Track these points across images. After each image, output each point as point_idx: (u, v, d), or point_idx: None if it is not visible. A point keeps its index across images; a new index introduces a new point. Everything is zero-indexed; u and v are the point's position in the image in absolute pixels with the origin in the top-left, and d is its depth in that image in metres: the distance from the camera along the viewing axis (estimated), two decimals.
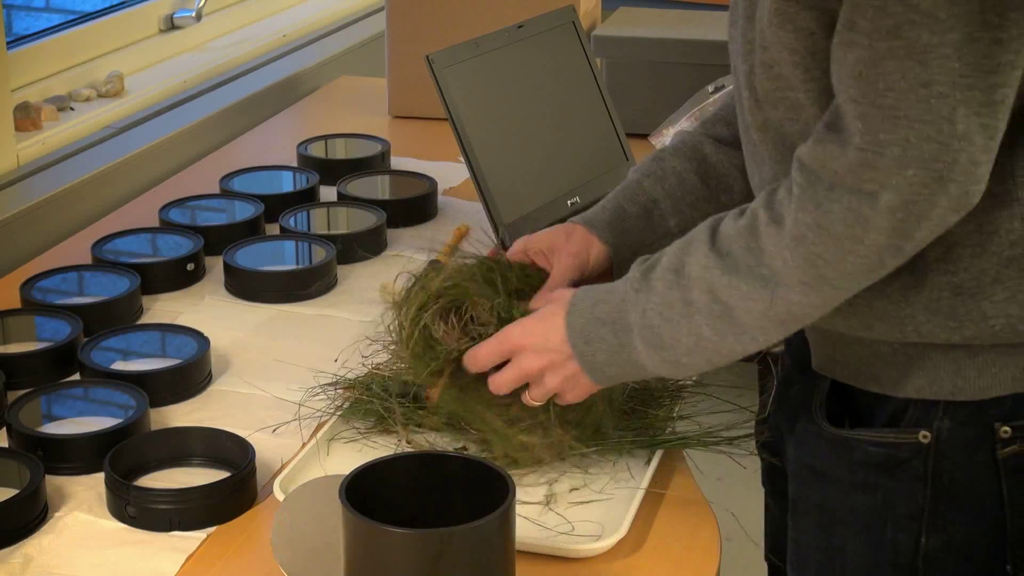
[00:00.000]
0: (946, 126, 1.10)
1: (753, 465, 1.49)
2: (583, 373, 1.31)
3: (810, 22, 1.18)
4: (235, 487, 1.40)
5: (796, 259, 1.17)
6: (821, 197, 1.15)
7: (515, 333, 1.34)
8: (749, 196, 1.33)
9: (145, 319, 1.80)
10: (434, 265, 1.57)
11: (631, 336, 1.26)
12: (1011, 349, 1.23)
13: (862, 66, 1.13)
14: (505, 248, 1.90)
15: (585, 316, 1.29)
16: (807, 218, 1.16)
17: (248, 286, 1.87)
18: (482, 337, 1.37)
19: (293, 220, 2.03)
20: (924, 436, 1.25)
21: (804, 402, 1.35)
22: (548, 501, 1.40)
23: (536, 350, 1.32)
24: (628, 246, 1.48)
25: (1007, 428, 1.24)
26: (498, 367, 1.35)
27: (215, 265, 1.93)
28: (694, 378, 1.55)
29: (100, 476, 1.42)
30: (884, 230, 1.14)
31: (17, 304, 1.80)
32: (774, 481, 1.48)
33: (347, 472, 1.20)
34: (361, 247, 1.98)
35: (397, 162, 2.33)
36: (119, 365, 1.66)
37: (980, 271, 1.21)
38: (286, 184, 2.21)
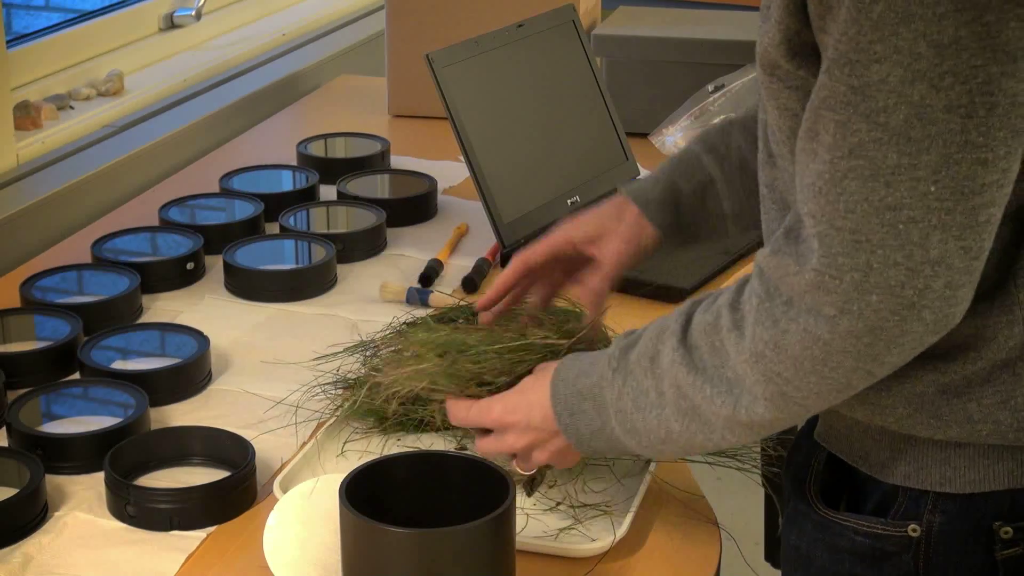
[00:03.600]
0: (917, 251, 1.02)
1: None
2: (571, 447, 1.27)
3: (793, 103, 1.10)
4: (235, 487, 1.40)
5: (756, 375, 1.10)
6: (779, 314, 1.08)
7: (496, 410, 1.31)
8: None
9: (145, 318, 1.80)
10: (414, 324, 1.55)
11: (609, 416, 1.22)
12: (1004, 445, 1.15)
13: (822, 182, 1.04)
14: (503, 245, 1.91)
15: (569, 388, 1.25)
16: (765, 335, 1.08)
17: (248, 285, 1.87)
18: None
19: (293, 219, 2.03)
20: (913, 530, 1.17)
21: (801, 472, 1.28)
22: (537, 496, 1.40)
23: (519, 430, 1.29)
24: (679, 230, 1.42)
25: (1008, 528, 1.15)
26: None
27: (215, 264, 1.93)
28: None
29: (100, 476, 1.42)
30: (849, 354, 1.05)
31: (17, 303, 1.80)
32: (774, 481, 1.47)
33: (346, 472, 1.20)
34: (361, 246, 1.98)
35: (397, 161, 2.33)
36: (119, 364, 1.66)
37: (971, 372, 1.12)
38: (286, 183, 2.21)
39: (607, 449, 1.25)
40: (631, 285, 1.76)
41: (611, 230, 1.41)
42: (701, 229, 1.45)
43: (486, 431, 1.34)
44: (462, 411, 1.34)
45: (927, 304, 1.03)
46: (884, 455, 1.18)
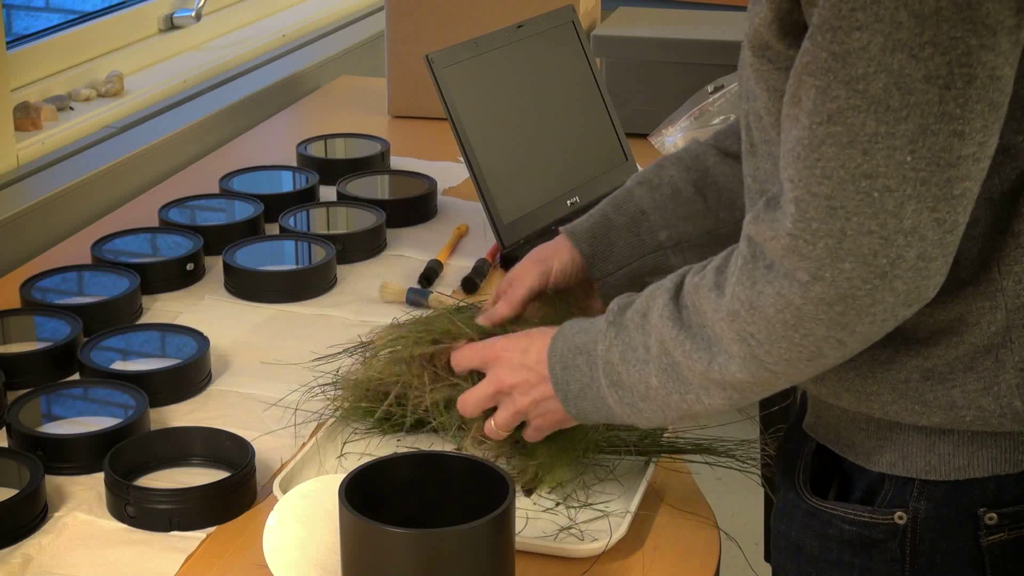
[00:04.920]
0: (891, 220, 1.02)
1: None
2: (555, 399, 1.28)
3: (781, 83, 1.11)
4: (235, 487, 1.40)
5: (731, 333, 1.11)
6: (758, 275, 1.09)
7: (499, 343, 1.33)
8: None
9: (145, 319, 1.80)
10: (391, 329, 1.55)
11: (598, 369, 1.24)
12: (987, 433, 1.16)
13: (801, 147, 1.04)
14: (503, 245, 1.91)
15: (567, 343, 1.27)
16: (742, 294, 1.10)
17: (248, 286, 1.87)
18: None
19: (293, 220, 2.03)
20: (900, 517, 1.18)
21: (791, 463, 1.29)
22: (539, 499, 1.40)
23: (512, 366, 1.30)
24: (611, 258, 1.46)
25: (993, 515, 1.16)
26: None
27: (215, 265, 1.93)
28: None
29: (100, 476, 1.42)
30: (820, 321, 1.06)
31: (17, 304, 1.80)
32: (773, 481, 1.47)
33: (346, 473, 1.20)
34: (361, 247, 1.98)
35: (397, 162, 2.33)
36: (119, 365, 1.66)
37: (954, 357, 1.13)
38: (286, 184, 2.21)
39: (591, 411, 1.26)
40: None
41: (550, 262, 1.47)
42: (645, 263, 1.48)
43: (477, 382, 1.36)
44: (466, 351, 1.36)
45: (899, 274, 1.03)
46: (870, 444, 1.20)
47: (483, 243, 2.01)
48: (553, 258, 1.46)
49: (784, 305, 1.07)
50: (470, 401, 1.35)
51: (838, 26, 1.01)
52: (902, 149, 1.01)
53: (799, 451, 1.28)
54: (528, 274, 1.46)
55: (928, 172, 1.01)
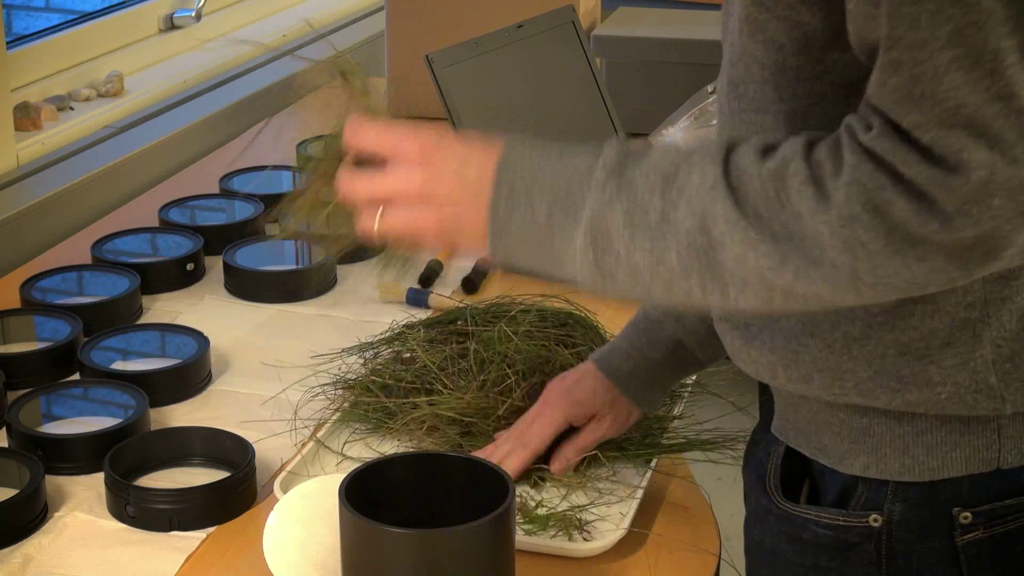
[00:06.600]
0: None
1: None
2: (477, 229, 1.07)
3: (780, 34, 1.06)
4: (235, 487, 1.40)
5: (836, 239, 0.98)
6: (885, 182, 0.97)
7: (428, 135, 1.10)
8: None
9: (145, 319, 1.80)
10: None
11: (574, 223, 1.04)
12: (961, 427, 1.13)
13: (923, 85, 0.95)
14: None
15: (528, 173, 1.06)
16: (863, 197, 0.97)
17: (248, 286, 1.87)
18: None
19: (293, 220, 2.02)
20: (875, 519, 1.16)
21: (760, 467, 1.26)
22: (541, 501, 1.40)
23: (441, 171, 1.08)
24: (662, 390, 1.44)
25: (968, 514, 1.14)
26: None
27: (215, 265, 1.93)
28: (693, 377, 1.53)
29: (100, 476, 1.42)
30: (945, 252, 0.97)
31: (17, 304, 1.80)
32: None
33: (346, 473, 1.19)
34: (361, 247, 1.97)
35: None
36: (119, 365, 1.66)
37: (930, 331, 1.10)
38: (286, 184, 2.21)
39: (523, 258, 1.07)
40: None
41: (603, 415, 1.41)
42: (683, 377, 1.47)
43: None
44: (374, 128, 1.12)
45: None
46: (843, 446, 1.18)
47: None
48: (629, 419, 1.42)
49: (920, 224, 0.96)
50: (362, 187, 1.11)
51: None
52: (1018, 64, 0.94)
53: (767, 455, 1.25)
54: (600, 439, 1.41)
55: None
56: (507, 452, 1.40)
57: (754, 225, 0.99)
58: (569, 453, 1.42)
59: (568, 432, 1.42)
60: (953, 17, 0.93)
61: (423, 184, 1.09)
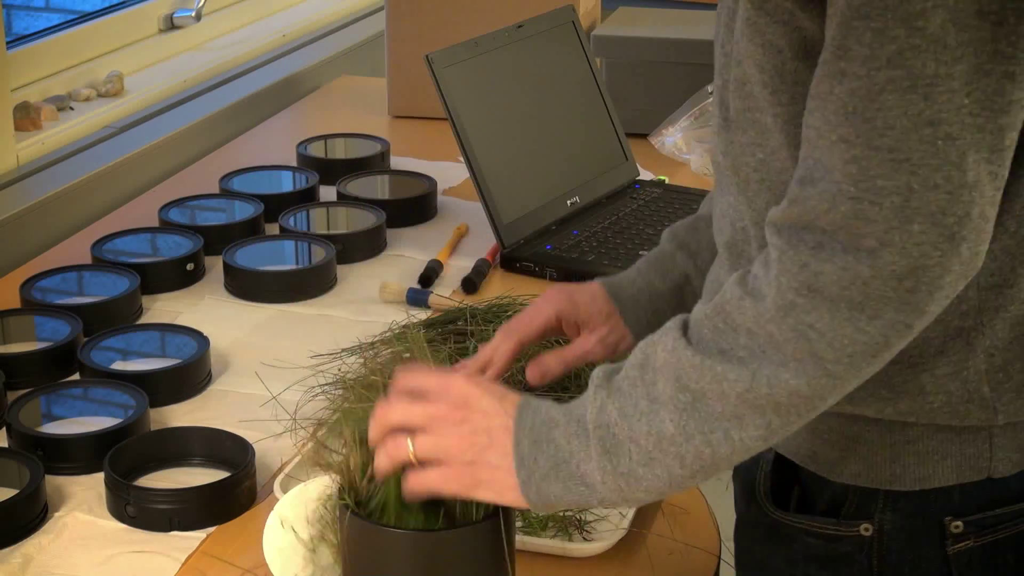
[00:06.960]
0: (955, 173, 0.95)
1: None
2: (507, 476, 1.10)
3: (779, 38, 1.06)
4: (235, 487, 1.40)
5: (785, 331, 1.01)
6: (807, 258, 1.00)
7: (470, 379, 1.14)
8: None
9: (145, 319, 1.80)
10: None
11: (585, 439, 1.07)
12: (952, 436, 1.13)
13: (856, 100, 0.97)
14: (503, 245, 1.91)
15: (538, 414, 1.10)
16: (793, 282, 1.00)
17: (248, 286, 1.87)
18: None
19: (293, 220, 2.03)
20: (866, 529, 1.16)
21: (750, 475, 1.24)
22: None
23: (487, 410, 1.12)
24: (657, 326, 1.42)
25: (959, 523, 1.14)
26: None
27: (215, 265, 1.93)
28: None
29: (100, 476, 1.42)
30: (889, 301, 0.98)
31: (17, 304, 1.80)
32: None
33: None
34: (361, 247, 1.98)
35: (397, 162, 2.33)
36: (119, 365, 1.66)
37: (923, 340, 1.09)
38: (286, 184, 2.21)
39: (556, 495, 1.09)
40: None
41: (596, 326, 1.37)
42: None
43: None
44: (418, 373, 1.16)
45: (965, 235, 0.97)
46: (833, 455, 1.17)
47: (483, 243, 2.01)
48: (620, 344, 1.36)
49: (850, 280, 0.98)
50: (397, 412, 1.14)
51: None
52: (959, 91, 0.95)
53: (756, 464, 1.24)
54: (595, 356, 1.35)
55: (983, 118, 0.96)
56: (496, 345, 1.35)
57: (718, 360, 1.03)
58: (551, 361, 1.35)
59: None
60: (897, 39, 0.95)
61: (469, 420, 1.12)
